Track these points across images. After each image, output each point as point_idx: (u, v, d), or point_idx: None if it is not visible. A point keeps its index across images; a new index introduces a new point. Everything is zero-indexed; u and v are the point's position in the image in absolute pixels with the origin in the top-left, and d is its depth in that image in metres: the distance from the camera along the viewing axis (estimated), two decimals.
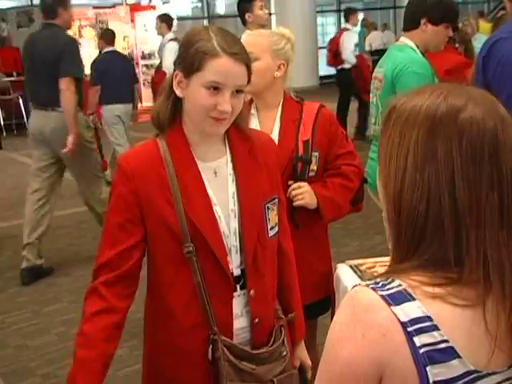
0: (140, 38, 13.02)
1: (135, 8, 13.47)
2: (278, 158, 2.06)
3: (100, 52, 6.98)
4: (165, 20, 7.15)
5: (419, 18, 2.67)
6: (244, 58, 1.46)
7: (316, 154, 2.10)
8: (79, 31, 12.26)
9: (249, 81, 1.49)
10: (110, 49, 6.68)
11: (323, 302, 2.29)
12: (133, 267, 1.51)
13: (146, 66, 12.91)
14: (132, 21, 12.87)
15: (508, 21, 2.93)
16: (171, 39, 7.00)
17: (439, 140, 0.84)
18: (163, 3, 14.65)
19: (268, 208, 1.59)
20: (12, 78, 11.00)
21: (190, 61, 1.43)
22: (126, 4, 13.59)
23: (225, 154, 1.56)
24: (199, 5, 16.70)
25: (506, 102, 3.15)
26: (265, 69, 2.07)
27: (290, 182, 2.07)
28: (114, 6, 13.05)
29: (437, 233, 0.84)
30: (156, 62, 11.95)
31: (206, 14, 15.84)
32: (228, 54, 1.42)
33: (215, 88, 1.42)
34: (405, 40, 2.76)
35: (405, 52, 2.70)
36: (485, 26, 9.68)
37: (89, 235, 5.32)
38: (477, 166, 0.83)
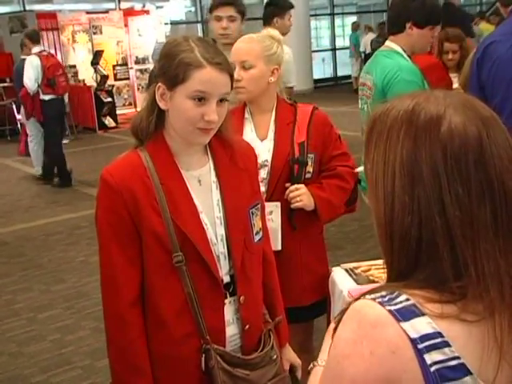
0: (133, 42, 13.02)
1: (129, 13, 13.46)
2: (274, 161, 2.06)
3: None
4: (28, 36, 7.47)
5: (404, 22, 2.65)
6: (227, 67, 1.46)
7: (311, 155, 2.10)
8: (73, 36, 12.25)
9: (231, 88, 1.49)
10: (23, 56, 7.47)
11: (321, 303, 2.29)
12: (139, 282, 1.49)
13: (140, 70, 12.91)
14: (125, 26, 12.86)
15: (502, 24, 2.94)
16: (34, 53, 7.26)
17: (423, 158, 0.81)
18: (157, 8, 14.66)
19: (252, 213, 1.59)
20: (5, 84, 10.96)
21: (174, 73, 1.42)
22: (120, 9, 13.59)
23: (207, 162, 1.56)
24: (193, 9, 16.71)
25: (500, 105, 3.16)
26: (260, 76, 2.08)
27: (287, 185, 2.08)
28: (107, 11, 13.03)
29: (432, 254, 0.81)
30: (150, 66, 11.97)
31: (199, 19, 15.86)
32: (212, 65, 1.42)
33: (200, 99, 1.42)
34: (391, 44, 2.74)
35: (393, 58, 2.67)
36: (487, 27, 9.71)
37: (82, 241, 5.30)
38: (464, 180, 0.80)
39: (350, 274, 2.21)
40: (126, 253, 1.47)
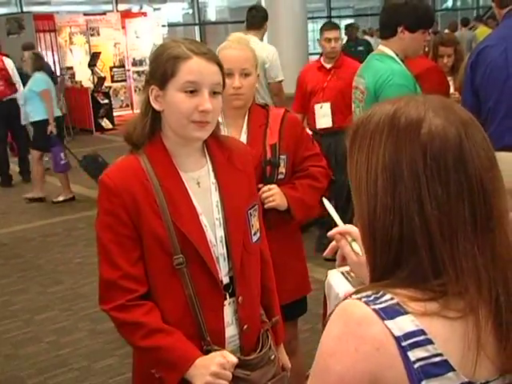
0: (131, 44, 13.02)
1: (126, 15, 13.46)
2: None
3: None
4: None
5: (396, 26, 2.65)
6: (215, 57, 1.48)
7: (283, 156, 2.15)
8: (70, 38, 12.24)
9: (223, 83, 1.51)
10: None
11: (301, 302, 2.33)
12: (143, 283, 1.48)
13: (137, 72, 12.90)
14: (123, 27, 12.86)
15: (496, 28, 2.96)
16: None
17: (404, 160, 0.83)
18: (154, 10, 14.67)
19: (250, 214, 1.61)
20: None
21: (163, 69, 1.45)
22: (117, 11, 13.59)
23: (205, 164, 1.57)
24: (190, 11, 16.72)
25: (493, 108, 3.17)
26: (254, 82, 2.14)
27: (260, 186, 2.10)
28: (104, 13, 13.03)
29: (412, 252, 0.84)
30: (147, 68, 11.95)
31: (197, 21, 15.87)
32: (198, 55, 1.45)
33: (192, 91, 1.44)
34: (383, 48, 2.74)
35: (385, 62, 2.68)
36: (484, 30, 9.74)
37: (80, 243, 5.30)
38: (443, 180, 0.82)
39: (346, 277, 2.23)
40: (128, 255, 1.47)
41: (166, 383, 1.46)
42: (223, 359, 1.43)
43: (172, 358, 1.45)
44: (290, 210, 2.14)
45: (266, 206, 2.10)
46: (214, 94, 1.47)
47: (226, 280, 1.54)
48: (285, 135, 2.15)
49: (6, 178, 7.64)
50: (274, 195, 2.10)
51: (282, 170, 2.15)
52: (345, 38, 9.69)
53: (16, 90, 7.53)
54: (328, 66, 4.48)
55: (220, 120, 2.17)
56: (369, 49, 8.55)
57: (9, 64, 7.68)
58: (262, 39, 4.77)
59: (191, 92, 1.44)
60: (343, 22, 19.48)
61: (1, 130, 7.59)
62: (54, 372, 3.27)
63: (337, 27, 4.55)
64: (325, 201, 1.40)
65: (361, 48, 8.71)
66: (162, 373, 1.47)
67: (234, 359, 1.45)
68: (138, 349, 1.51)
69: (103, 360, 3.33)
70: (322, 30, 4.50)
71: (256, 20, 4.72)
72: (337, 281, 2.22)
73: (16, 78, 7.60)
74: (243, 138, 2.15)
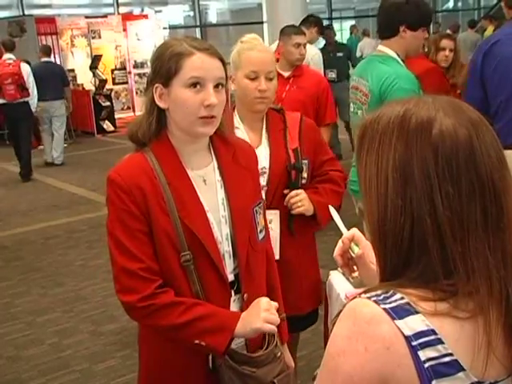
0: (132, 47, 13.04)
1: (127, 17, 13.48)
2: (272, 167, 2.08)
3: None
4: (3, 44, 8.10)
5: (398, 25, 2.64)
6: (217, 53, 1.50)
7: (305, 161, 2.14)
8: (71, 40, 12.27)
9: (226, 77, 1.52)
10: (45, 59, 8.78)
11: (312, 313, 2.31)
12: (159, 276, 1.47)
13: (139, 74, 12.93)
14: (124, 30, 12.89)
15: (507, 24, 2.94)
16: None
17: (415, 161, 0.83)
18: (155, 12, 14.69)
19: (256, 211, 1.61)
20: None
21: (167, 67, 1.46)
22: (119, 13, 13.61)
23: (211, 161, 1.57)
24: (191, 13, 16.75)
25: (504, 104, 3.13)
26: (276, 86, 2.12)
27: (286, 191, 2.09)
28: (106, 16, 13.06)
29: (423, 253, 0.83)
30: (148, 70, 11.96)
31: (198, 23, 15.89)
32: (201, 51, 1.46)
33: (196, 85, 1.44)
34: (384, 49, 2.72)
35: (389, 65, 2.65)
36: (491, 30, 9.70)
37: (82, 245, 5.30)
38: (455, 180, 0.82)
39: (347, 278, 2.22)
40: (143, 249, 1.45)
41: (215, 348, 1.45)
42: (265, 298, 1.49)
43: (218, 321, 1.45)
44: (316, 215, 2.12)
45: (294, 212, 2.09)
46: (217, 87, 1.47)
47: (231, 277, 1.54)
48: (304, 140, 2.14)
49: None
50: (302, 200, 2.08)
51: (305, 174, 2.14)
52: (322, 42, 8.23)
53: (28, 95, 7.70)
54: (286, 74, 3.78)
55: (237, 125, 2.16)
56: (350, 55, 8.07)
57: (25, 69, 7.80)
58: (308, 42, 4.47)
59: (196, 87, 1.45)
60: (344, 24, 19.48)
61: (11, 131, 7.77)
62: (55, 374, 3.26)
63: (304, 32, 4.02)
64: (331, 208, 1.40)
65: (340, 54, 8.15)
66: (209, 339, 1.44)
67: (274, 302, 1.51)
68: (176, 327, 1.45)
69: (104, 362, 3.32)
70: (289, 34, 3.83)
71: (309, 21, 4.89)
72: (338, 281, 2.22)
73: (30, 83, 7.72)
74: (264, 143, 2.13)
